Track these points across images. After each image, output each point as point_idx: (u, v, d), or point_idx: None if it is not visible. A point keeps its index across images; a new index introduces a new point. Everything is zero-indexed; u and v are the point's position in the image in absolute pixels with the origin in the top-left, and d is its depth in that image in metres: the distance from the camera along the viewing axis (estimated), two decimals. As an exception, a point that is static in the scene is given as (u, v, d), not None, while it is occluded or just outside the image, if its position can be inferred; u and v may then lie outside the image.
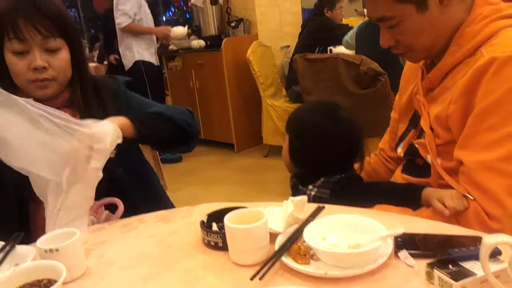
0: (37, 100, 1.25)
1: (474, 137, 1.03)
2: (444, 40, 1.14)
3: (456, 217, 1.03)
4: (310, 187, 1.30)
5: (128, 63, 4.35)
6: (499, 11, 1.09)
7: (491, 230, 0.95)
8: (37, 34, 1.21)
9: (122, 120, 1.21)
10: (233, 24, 4.74)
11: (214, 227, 1.00)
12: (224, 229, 0.92)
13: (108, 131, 1.11)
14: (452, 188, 1.09)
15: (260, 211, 0.93)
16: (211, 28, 4.84)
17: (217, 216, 1.01)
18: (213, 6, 4.75)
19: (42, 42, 1.22)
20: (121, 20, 4.26)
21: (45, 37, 1.22)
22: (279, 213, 1.00)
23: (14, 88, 1.26)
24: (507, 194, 0.99)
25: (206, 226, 1.00)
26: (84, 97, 1.33)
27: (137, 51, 4.34)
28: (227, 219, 0.91)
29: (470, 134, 1.04)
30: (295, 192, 1.35)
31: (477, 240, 0.84)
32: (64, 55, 1.27)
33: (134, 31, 4.32)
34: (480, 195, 1.02)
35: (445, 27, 1.12)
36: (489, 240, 0.68)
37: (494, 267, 0.73)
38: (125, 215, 1.25)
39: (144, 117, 1.31)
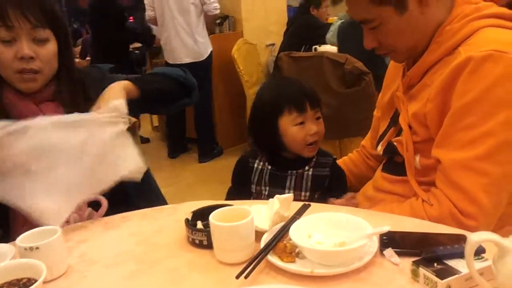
0: (22, 93, 1.25)
1: (451, 136, 1.04)
2: (426, 39, 1.14)
3: (431, 219, 1.04)
4: (306, 167, 1.32)
5: (204, 52, 4.20)
6: (478, 10, 1.10)
7: (467, 228, 0.95)
8: (26, 23, 1.19)
9: (123, 83, 1.25)
10: (218, 21, 4.71)
11: (199, 225, 0.99)
12: (209, 227, 0.91)
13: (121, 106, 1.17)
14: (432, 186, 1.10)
15: (246, 209, 0.92)
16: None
17: (202, 214, 1.00)
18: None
19: (30, 32, 1.20)
20: (217, 5, 4.15)
21: (34, 26, 1.20)
22: (265, 211, 0.99)
23: None
24: (482, 192, 1.00)
25: (191, 224, 0.99)
26: (70, 90, 1.31)
27: (209, 41, 4.25)
28: (212, 217, 0.90)
29: (447, 133, 1.05)
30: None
31: (462, 239, 0.85)
32: (51, 47, 1.25)
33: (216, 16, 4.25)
34: (456, 194, 1.02)
35: (426, 27, 1.13)
36: (474, 238, 0.68)
37: (478, 264, 0.73)
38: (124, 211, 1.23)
39: (141, 77, 1.36)
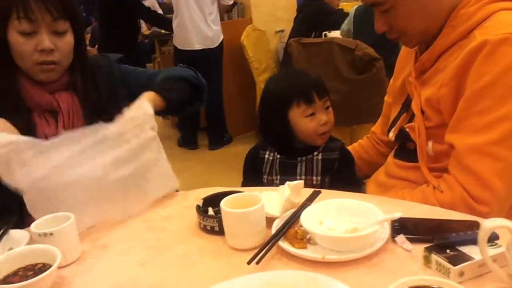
0: (39, 82, 1.26)
1: (465, 120, 1.03)
2: (437, 24, 1.13)
3: (442, 205, 1.03)
4: (315, 152, 1.33)
5: (216, 40, 4.19)
6: None
7: (478, 214, 0.94)
8: (48, 15, 1.19)
9: (150, 95, 1.27)
10: (227, 8, 4.69)
11: (210, 211, 1.00)
12: (220, 213, 0.91)
13: (145, 104, 1.18)
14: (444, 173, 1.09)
15: (257, 195, 0.92)
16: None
17: (213, 201, 1.01)
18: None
19: (51, 24, 1.20)
20: None
21: (55, 19, 1.20)
22: (275, 198, 0.99)
23: (15, 69, 1.24)
24: (496, 176, 0.99)
25: (202, 210, 1.00)
26: (83, 80, 1.32)
27: (220, 29, 4.25)
28: (223, 203, 0.91)
29: (461, 117, 1.03)
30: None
31: (475, 225, 0.85)
32: (69, 39, 1.26)
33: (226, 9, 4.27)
34: (468, 179, 1.01)
35: (438, 11, 1.11)
36: (488, 224, 0.68)
37: (491, 251, 0.73)
38: None
39: (163, 84, 1.36)
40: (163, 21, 4.93)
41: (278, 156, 1.36)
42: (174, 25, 4.24)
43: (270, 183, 1.36)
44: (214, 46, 4.17)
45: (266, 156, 1.38)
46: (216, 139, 4.50)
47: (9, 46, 1.21)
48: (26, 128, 1.22)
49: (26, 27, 1.18)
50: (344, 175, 1.32)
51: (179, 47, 4.26)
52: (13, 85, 1.24)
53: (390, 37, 1.20)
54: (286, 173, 1.34)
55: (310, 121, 1.29)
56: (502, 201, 1.01)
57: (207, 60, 4.17)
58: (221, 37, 4.23)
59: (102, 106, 1.33)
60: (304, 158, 1.33)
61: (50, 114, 1.29)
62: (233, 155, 4.15)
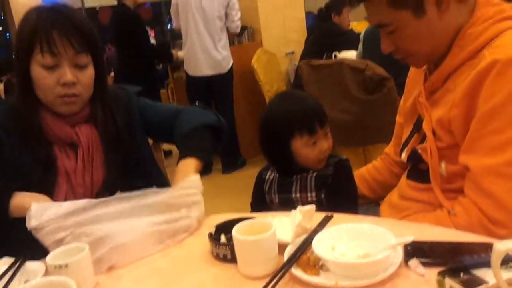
0: (60, 115, 1.28)
1: (479, 141, 1.02)
2: (444, 44, 1.13)
3: (459, 228, 1.02)
4: (311, 171, 1.34)
5: (227, 65, 4.25)
6: (502, 12, 1.08)
7: (497, 236, 0.93)
8: (71, 49, 1.21)
9: (193, 163, 1.27)
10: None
11: (223, 239, 1.00)
12: (232, 241, 0.92)
13: (194, 182, 1.19)
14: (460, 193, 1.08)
15: (268, 222, 0.93)
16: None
17: (225, 228, 1.01)
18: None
19: (73, 57, 1.22)
20: (239, 24, 4.24)
21: (77, 52, 1.22)
22: (287, 223, 0.99)
23: (37, 103, 1.26)
24: None
25: (214, 238, 1.00)
26: (103, 112, 1.34)
27: (230, 54, 4.31)
28: (236, 230, 0.91)
29: (474, 138, 1.03)
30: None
31: (488, 247, 0.83)
32: (90, 72, 1.27)
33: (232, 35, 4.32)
34: (486, 201, 1.00)
35: (444, 32, 1.11)
36: (501, 247, 0.67)
37: (506, 274, 0.72)
38: None
39: (195, 140, 1.35)
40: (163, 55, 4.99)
41: (277, 175, 1.38)
42: (184, 51, 4.30)
43: (271, 202, 1.38)
44: (224, 72, 4.22)
45: (267, 176, 1.41)
46: (229, 163, 4.51)
47: (31, 79, 1.23)
48: (47, 161, 1.25)
49: (49, 61, 1.20)
50: (339, 190, 1.32)
51: (190, 73, 4.32)
52: (35, 118, 1.26)
53: (397, 57, 1.20)
54: (283, 191, 1.36)
55: (312, 150, 1.31)
56: None
57: (218, 86, 4.24)
58: (231, 62, 4.27)
59: (120, 139, 1.34)
60: (299, 176, 1.34)
61: (70, 147, 1.30)
62: (246, 178, 4.13)
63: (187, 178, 1.19)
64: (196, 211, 1.15)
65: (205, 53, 4.16)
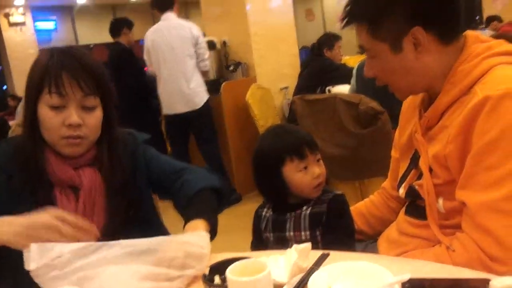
0: (65, 156, 1.26)
1: (474, 177, 1.02)
2: (424, 83, 1.16)
3: (458, 265, 1.00)
4: (305, 207, 1.33)
5: (200, 101, 4.25)
6: (490, 48, 1.10)
7: (496, 273, 0.91)
8: (79, 91, 1.20)
9: (200, 223, 1.21)
10: (231, 68, 4.81)
11: (217, 280, 0.98)
12: (226, 282, 0.89)
13: (204, 238, 1.11)
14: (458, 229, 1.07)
15: (263, 262, 0.90)
16: (210, 73, 4.90)
17: (220, 268, 0.99)
18: (211, 51, 4.83)
19: (81, 99, 1.21)
20: (208, 63, 4.28)
21: (86, 95, 1.21)
22: (283, 262, 0.98)
23: (42, 143, 1.25)
24: (511, 234, 0.97)
25: (208, 279, 0.98)
26: (109, 157, 1.31)
27: (205, 89, 4.33)
28: (229, 271, 0.89)
29: (470, 173, 1.03)
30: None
31: (486, 283, 0.82)
32: (98, 114, 1.26)
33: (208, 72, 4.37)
34: (484, 237, 0.99)
35: (422, 72, 1.14)
36: (497, 283, 0.66)
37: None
38: None
39: (202, 202, 1.32)
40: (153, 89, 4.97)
41: (271, 213, 1.38)
42: (159, 91, 4.35)
43: (267, 240, 1.37)
44: (198, 107, 4.23)
45: (264, 213, 1.40)
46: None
47: (38, 119, 1.22)
48: (46, 203, 1.21)
49: (56, 101, 1.19)
50: (334, 227, 1.31)
51: (165, 112, 4.37)
52: (39, 158, 1.24)
53: (378, 84, 1.22)
54: (277, 230, 1.35)
55: (304, 175, 1.32)
56: None
57: (195, 122, 4.29)
58: (205, 97, 4.28)
59: (124, 185, 1.31)
60: (293, 213, 1.34)
61: (71, 190, 1.27)
62: (242, 215, 4.11)
63: (197, 232, 1.15)
64: (201, 264, 1.09)
65: (177, 91, 4.22)
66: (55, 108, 1.20)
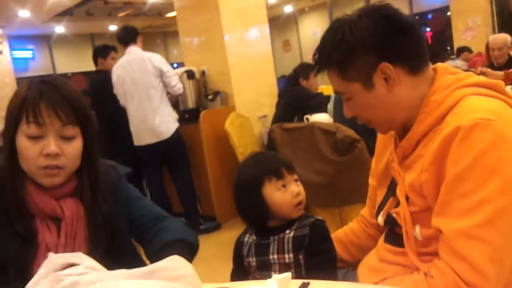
0: (44, 187, 1.23)
1: (449, 204, 1.03)
2: (401, 114, 1.19)
3: None
4: (288, 231, 1.33)
5: (169, 130, 4.26)
6: (459, 80, 1.14)
7: None
8: (57, 121, 1.18)
9: None
10: (210, 97, 4.83)
11: (196, 312, 0.96)
12: (206, 314, 0.88)
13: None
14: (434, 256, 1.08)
15: (243, 293, 0.89)
16: (189, 101, 4.92)
17: (198, 300, 0.97)
18: (190, 81, 4.86)
19: (60, 129, 1.20)
20: (180, 86, 4.29)
21: (64, 124, 1.19)
22: (263, 293, 0.96)
23: (21, 174, 1.22)
24: (486, 260, 0.98)
25: (187, 311, 0.96)
26: (91, 187, 1.29)
27: (174, 118, 4.35)
28: (209, 303, 0.87)
29: (445, 201, 1.04)
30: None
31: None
32: (78, 144, 1.24)
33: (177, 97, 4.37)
34: (460, 264, 1.00)
35: (398, 104, 1.17)
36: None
37: None
38: None
39: (177, 249, 1.26)
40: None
41: (254, 237, 1.38)
42: (130, 126, 4.38)
43: (249, 265, 1.35)
44: (167, 137, 4.26)
45: (246, 239, 1.40)
46: (191, 226, 4.45)
47: (17, 150, 1.20)
48: (27, 235, 1.20)
49: (34, 131, 1.18)
50: (317, 251, 1.31)
51: (135, 143, 4.39)
52: (19, 190, 1.21)
53: (360, 122, 1.26)
54: (260, 254, 1.34)
55: (283, 193, 1.34)
56: (494, 284, 0.99)
57: (165, 152, 4.32)
58: (174, 127, 4.30)
59: (107, 217, 1.29)
60: (276, 237, 1.33)
61: (52, 221, 1.24)
62: (221, 244, 4.08)
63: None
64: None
65: (144, 124, 4.25)
66: (33, 138, 1.18)
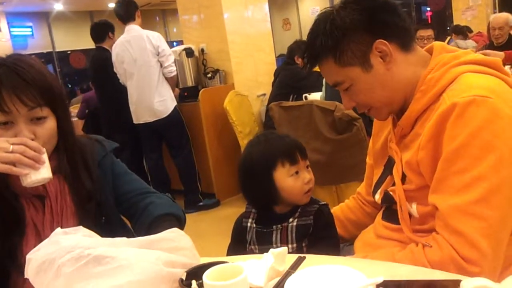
0: None
1: (445, 181, 1.05)
2: (400, 93, 1.19)
3: (433, 266, 1.03)
4: (291, 219, 1.32)
5: (167, 109, 4.29)
6: (456, 58, 1.15)
7: (470, 274, 0.94)
8: (23, 106, 1.16)
9: None
10: (209, 75, 4.81)
11: (194, 285, 0.97)
12: (203, 287, 0.90)
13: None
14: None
15: (240, 266, 0.91)
16: (188, 80, 4.90)
17: (197, 273, 0.99)
18: (189, 58, 4.84)
19: (28, 114, 1.17)
20: (172, 68, 4.28)
21: (30, 108, 1.17)
22: (260, 267, 0.98)
23: None
24: (481, 236, 0.99)
25: (185, 284, 0.98)
26: (71, 164, 1.29)
27: (172, 96, 4.36)
28: (206, 276, 0.89)
29: (441, 178, 1.06)
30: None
31: (458, 284, 0.84)
32: (50, 124, 1.22)
33: (175, 78, 4.39)
34: (456, 239, 1.02)
35: (397, 82, 1.17)
36: (467, 284, 0.68)
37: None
38: None
39: (166, 224, 1.28)
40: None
41: (255, 225, 1.37)
42: (129, 103, 4.41)
43: (252, 252, 1.35)
44: (166, 116, 4.29)
45: (248, 224, 1.38)
46: (190, 202, 4.53)
47: None
48: (13, 215, 1.21)
49: (2, 118, 1.16)
50: (321, 237, 1.32)
51: (135, 122, 4.43)
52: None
53: (360, 111, 1.26)
54: (263, 242, 1.34)
55: (295, 180, 1.32)
56: (491, 260, 1.00)
57: (163, 131, 4.38)
58: (172, 106, 4.33)
59: (93, 192, 1.30)
60: (279, 226, 1.33)
61: (37, 199, 1.26)
62: (221, 219, 4.12)
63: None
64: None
65: (143, 102, 4.28)
66: (3, 124, 1.17)
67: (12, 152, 1.12)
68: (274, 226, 1.33)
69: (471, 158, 1.01)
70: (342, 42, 1.16)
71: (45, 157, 1.18)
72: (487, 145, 1.00)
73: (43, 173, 1.17)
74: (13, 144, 1.13)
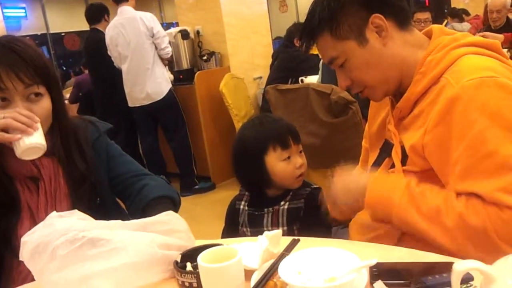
0: None
1: (476, 167, 1.02)
2: (396, 72, 1.18)
3: (464, 225, 1.00)
4: (282, 202, 1.33)
5: (162, 91, 4.27)
6: (456, 40, 1.14)
7: (497, 251, 0.86)
8: (20, 83, 1.17)
9: None
10: (205, 58, 4.78)
11: (188, 266, 0.99)
12: (198, 268, 0.90)
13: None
14: None
15: (234, 249, 0.92)
16: (183, 62, 4.87)
17: (191, 255, 1.00)
18: (185, 41, 4.80)
19: (24, 91, 1.19)
20: (168, 50, 4.26)
21: (27, 86, 1.18)
22: (254, 249, 0.99)
23: None
24: None
25: (180, 266, 0.99)
26: (64, 146, 1.29)
27: (167, 79, 4.35)
28: (201, 258, 0.90)
29: (471, 164, 1.02)
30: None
31: (451, 266, 0.85)
32: (46, 103, 1.23)
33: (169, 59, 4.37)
34: (499, 213, 0.97)
35: (391, 59, 1.17)
36: (459, 267, 0.69)
37: (467, 293, 0.73)
38: None
39: (161, 206, 1.28)
40: None
41: (247, 208, 1.37)
42: (124, 86, 4.38)
43: (244, 234, 1.37)
44: (160, 98, 4.27)
45: (241, 206, 1.40)
46: (186, 185, 4.54)
47: None
48: (8, 197, 1.21)
49: None
50: (311, 221, 1.33)
51: (130, 105, 4.41)
52: None
53: (355, 91, 1.25)
54: (254, 225, 1.35)
55: (287, 164, 1.32)
56: None
57: (158, 113, 4.37)
58: (167, 88, 4.31)
59: (87, 174, 1.30)
60: (271, 209, 1.33)
61: (31, 181, 1.26)
62: (216, 203, 4.13)
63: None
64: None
65: (137, 85, 4.27)
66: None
67: (3, 118, 1.13)
68: (266, 209, 1.34)
69: (497, 138, 0.99)
70: (339, 14, 1.16)
71: (38, 126, 1.18)
72: (508, 123, 1.00)
73: (36, 138, 1.16)
74: (5, 116, 1.14)
